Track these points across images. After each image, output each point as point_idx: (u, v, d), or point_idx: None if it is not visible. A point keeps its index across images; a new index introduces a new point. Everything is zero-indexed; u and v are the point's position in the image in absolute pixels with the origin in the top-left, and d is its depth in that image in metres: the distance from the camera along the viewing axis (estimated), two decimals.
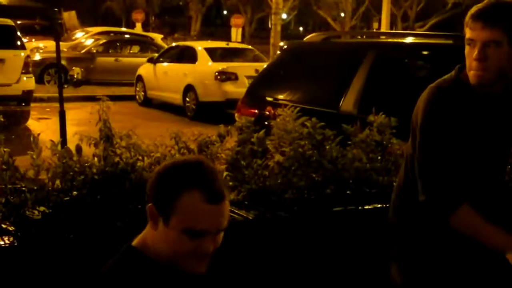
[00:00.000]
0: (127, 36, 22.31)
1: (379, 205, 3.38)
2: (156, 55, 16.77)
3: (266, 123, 3.76)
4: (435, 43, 5.45)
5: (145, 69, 16.13)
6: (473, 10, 2.41)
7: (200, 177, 1.70)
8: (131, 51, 20.20)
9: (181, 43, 18.27)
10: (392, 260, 2.73)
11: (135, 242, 1.79)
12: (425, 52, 5.46)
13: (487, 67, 2.39)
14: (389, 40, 6.32)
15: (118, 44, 20.39)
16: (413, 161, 2.52)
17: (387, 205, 2.87)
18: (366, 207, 3.40)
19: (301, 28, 50.53)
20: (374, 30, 24.43)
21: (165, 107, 15.05)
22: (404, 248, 2.67)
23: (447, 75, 2.56)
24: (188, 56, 14.89)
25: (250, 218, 3.12)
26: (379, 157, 3.64)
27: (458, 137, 2.40)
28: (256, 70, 11.25)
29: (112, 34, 21.95)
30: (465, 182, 2.39)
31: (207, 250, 1.71)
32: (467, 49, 2.44)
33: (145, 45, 20.70)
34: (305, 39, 7.05)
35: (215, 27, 45.64)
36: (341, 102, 5.34)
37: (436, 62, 5.13)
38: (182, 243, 1.69)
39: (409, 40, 5.82)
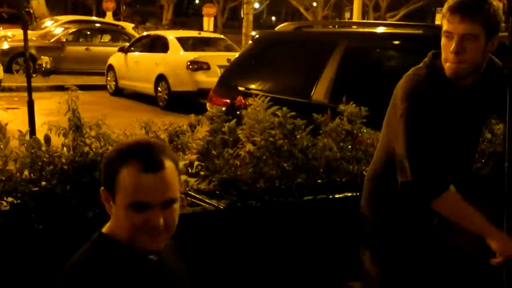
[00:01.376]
0: (97, 25, 22.04)
1: (350, 194, 3.40)
2: (127, 44, 16.62)
3: (237, 112, 3.75)
4: (406, 33, 5.48)
5: (116, 59, 15.97)
6: (451, 2, 2.40)
7: (137, 149, 1.71)
8: (102, 40, 20.00)
9: (152, 32, 18.12)
10: (364, 248, 2.75)
11: (105, 229, 1.78)
12: (396, 42, 5.49)
13: (464, 60, 2.40)
14: (360, 30, 6.35)
15: (88, 33, 20.17)
16: (390, 147, 2.53)
17: (358, 194, 2.89)
18: (337, 196, 3.42)
19: (273, 18, 50.53)
20: (346, 20, 24.51)
21: (137, 96, 14.94)
22: (377, 236, 2.70)
23: (422, 63, 2.56)
24: (160, 45, 14.79)
25: (221, 207, 3.12)
26: (349, 146, 3.66)
27: (436, 124, 2.42)
28: (228, 60, 11.20)
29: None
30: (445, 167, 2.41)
31: (156, 223, 1.68)
32: (443, 41, 2.44)
33: (116, 34, 20.51)
34: (276, 28, 7.03)
35: (187, 16, 45.44)
36: (312, 92, 5.35)
37: (407, 52, 5.17)
38: (130, 219, 1.68)
39: (380, 30, 5.84)
